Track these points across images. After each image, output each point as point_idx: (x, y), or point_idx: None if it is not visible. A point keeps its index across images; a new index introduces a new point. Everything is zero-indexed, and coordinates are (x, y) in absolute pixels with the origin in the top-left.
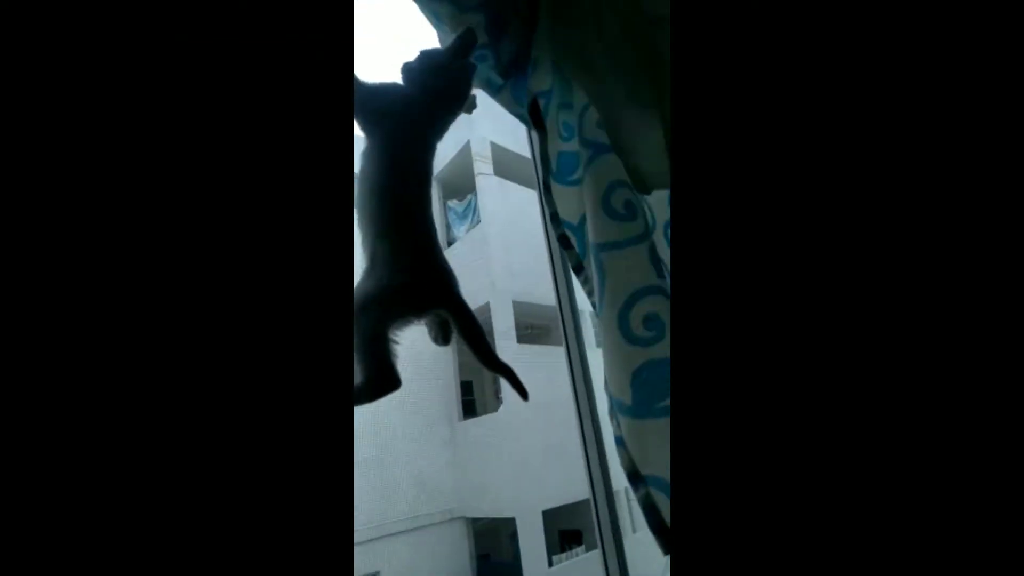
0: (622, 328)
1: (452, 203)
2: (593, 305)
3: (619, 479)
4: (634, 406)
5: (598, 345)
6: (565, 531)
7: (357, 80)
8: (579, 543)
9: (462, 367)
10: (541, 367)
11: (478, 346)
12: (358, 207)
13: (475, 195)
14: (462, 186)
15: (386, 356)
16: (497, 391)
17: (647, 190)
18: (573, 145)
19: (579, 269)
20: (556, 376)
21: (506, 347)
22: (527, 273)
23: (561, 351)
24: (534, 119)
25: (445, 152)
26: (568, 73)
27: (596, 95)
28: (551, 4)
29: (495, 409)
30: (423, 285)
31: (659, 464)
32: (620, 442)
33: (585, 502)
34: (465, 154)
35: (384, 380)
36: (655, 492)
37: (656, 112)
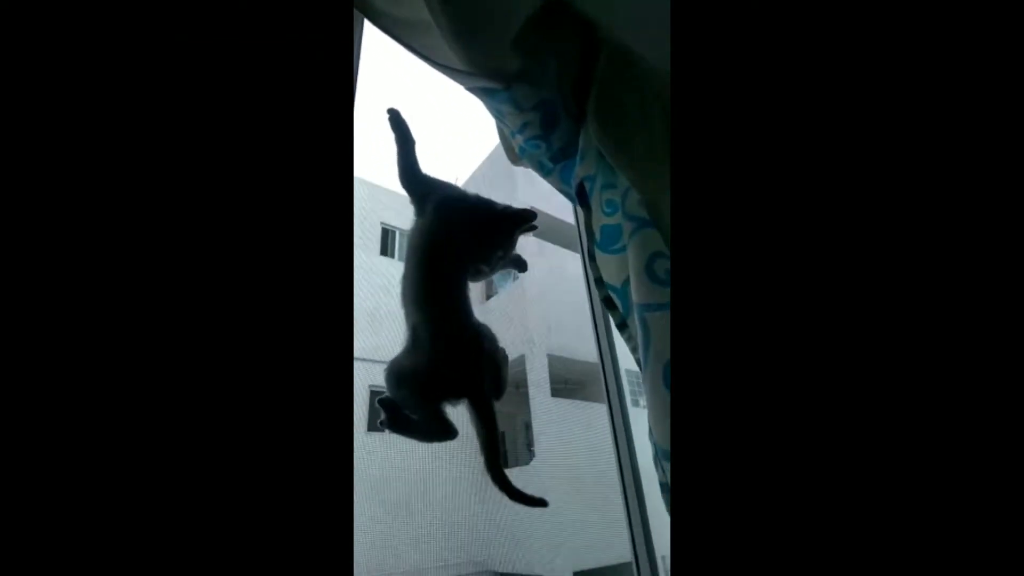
0: (666, 380)
1: None
2: (637, 361)
3: (661, 544)
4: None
5: (634, 404)
6: None
7: (428, 176)
8: None
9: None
10: (575, 421)
11: (489, 447)
12: (405, 279)
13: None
14: None
15: (439, 412)
16: (530, 443)
17: None
18: (616, 219)
19: (623, 327)
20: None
21: (540, 399)
22: (563, 329)
23: (593, 407)
24: (580, 199)
25: None
26: (611, 161)
27: (638, 180)
28: (597, 105)
29: (527, 461)
30: (455, 377)
31: None
32: (665, 488)
33: (617, 567)
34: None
35: (440, 431)
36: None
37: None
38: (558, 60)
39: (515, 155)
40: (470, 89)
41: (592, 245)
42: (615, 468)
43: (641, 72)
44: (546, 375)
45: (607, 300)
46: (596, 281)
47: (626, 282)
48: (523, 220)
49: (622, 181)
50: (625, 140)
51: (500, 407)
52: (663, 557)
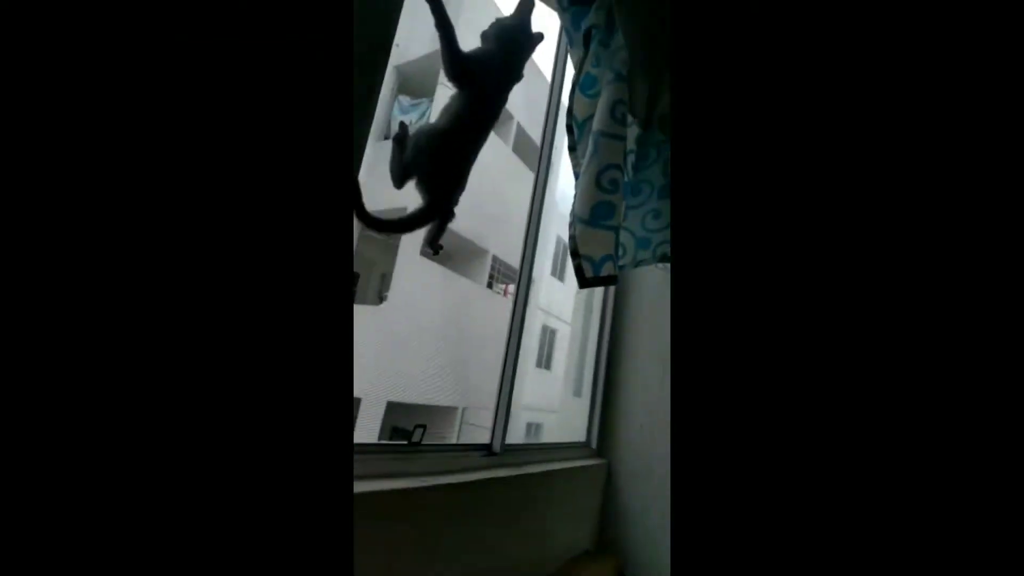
0: (596, 181)
1: (403, 98)
2: (576, 175)
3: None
4: (590, 220)
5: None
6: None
7: (455, 46)
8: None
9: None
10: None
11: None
12: (439, 122)
13: (430, 102)
14: (420, 87)
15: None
16: (382, 290)
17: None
18: (597, 72)
19: (572, 149)
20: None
21: (408, 254)
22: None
23: (453, 277)
24: (585, 42)
25: (417, 48)
26: (618, 24)
27: (630, 44)
28: None
29: (374, 303)
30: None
31: (588, 249)
32: (572, 239)
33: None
34: (435, 59)
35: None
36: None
37: (665, 80)
38: None
39: None
40: None
41: (576, 80)
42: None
43: None
44: (421, 234)
45: (568, 127)
46: (568, 110)
47: (587, 119)
48: (526, 11)
49: (617, 40)
50: (635, 10)
51: (363, 253)
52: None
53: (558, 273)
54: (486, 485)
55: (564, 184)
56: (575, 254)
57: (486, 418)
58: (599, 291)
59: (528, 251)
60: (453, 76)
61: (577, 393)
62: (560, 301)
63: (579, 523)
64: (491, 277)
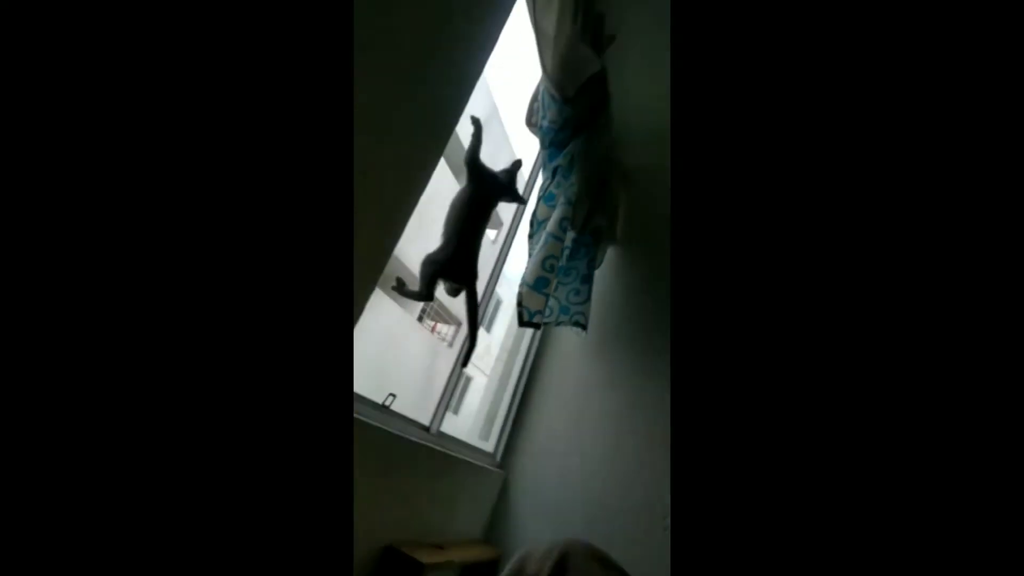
0: (541, 263)
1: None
2: (530, 254)
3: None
4: (532, 285)
5: None
6: None
7: (478, 151)
8: None
9: None
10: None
11: (472, 316)
12: (452, 210)
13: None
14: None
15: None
16: None
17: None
18: (556, 192)
19: (530, 237)
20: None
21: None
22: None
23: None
24: (552, 175)
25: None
26: (576, 166)
27: (581, 188)
28: (588, 135)
29: None
30: (463, 267)
31: (528, 303)
32: (519, 295)
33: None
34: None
35: (428, 295)
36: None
37: (598, 206)
38: (590, 98)
39: (531, 121)
40: (544, 85)
41: (540, 196)
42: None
43: (610, 142)
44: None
45: (531, 222)
46: (532, 212)
47: (544, 220)
48: (518, 168)
49: (572, 176)
50: (590, 168)
51: None
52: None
53: (486, 324)
54: (419, 448)
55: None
56: (519, 304)
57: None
58: (524, 344)
59: (487, 299)
60: (468, 163)
61: (484, 437)
62: (479, 353)
63: (476, 514)
64: (423, 311)
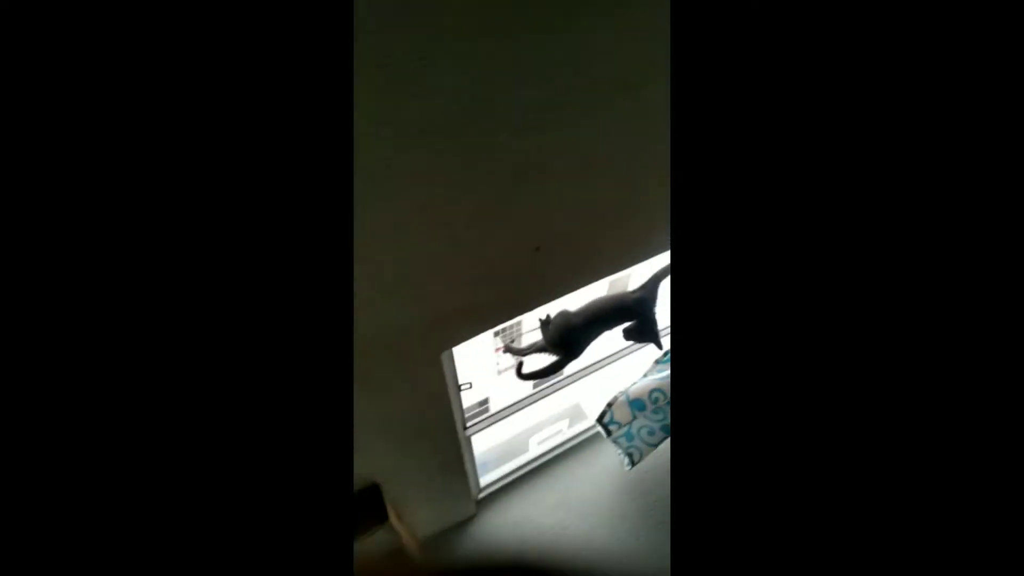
0: (649, 390)
1: None
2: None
3: None
4: (629, 403)
5: None
6: None
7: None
8: None
9: None
10: None
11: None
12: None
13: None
14: None
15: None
16: None
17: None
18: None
19: (657, 362)
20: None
21: None
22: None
23: None
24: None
25: None
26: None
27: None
28: None
29: None
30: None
31: (616, 413)
32: (612, 402)
33: None
34: None
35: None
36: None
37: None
38: None
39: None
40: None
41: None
42: None
43: None
44: None
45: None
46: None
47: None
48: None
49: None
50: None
51: None
52: None
53: None
54: None
55: None
56: (609, 405)
57: None
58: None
59: None
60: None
61: None
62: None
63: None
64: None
